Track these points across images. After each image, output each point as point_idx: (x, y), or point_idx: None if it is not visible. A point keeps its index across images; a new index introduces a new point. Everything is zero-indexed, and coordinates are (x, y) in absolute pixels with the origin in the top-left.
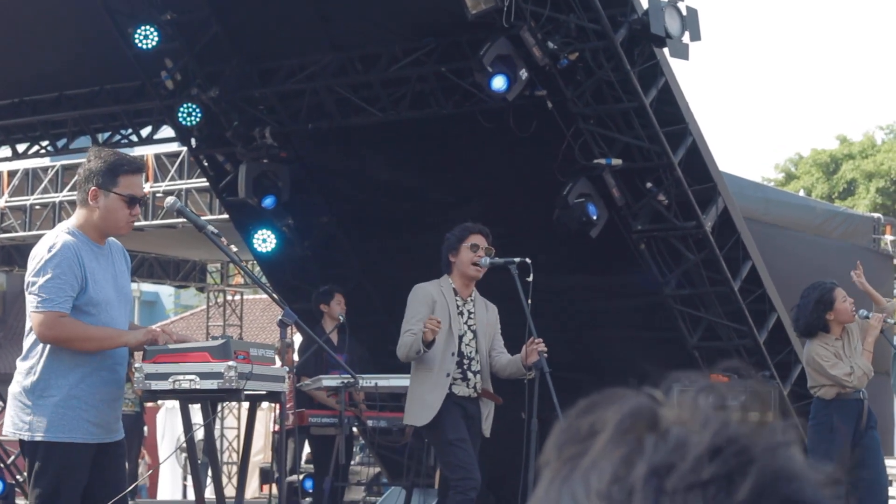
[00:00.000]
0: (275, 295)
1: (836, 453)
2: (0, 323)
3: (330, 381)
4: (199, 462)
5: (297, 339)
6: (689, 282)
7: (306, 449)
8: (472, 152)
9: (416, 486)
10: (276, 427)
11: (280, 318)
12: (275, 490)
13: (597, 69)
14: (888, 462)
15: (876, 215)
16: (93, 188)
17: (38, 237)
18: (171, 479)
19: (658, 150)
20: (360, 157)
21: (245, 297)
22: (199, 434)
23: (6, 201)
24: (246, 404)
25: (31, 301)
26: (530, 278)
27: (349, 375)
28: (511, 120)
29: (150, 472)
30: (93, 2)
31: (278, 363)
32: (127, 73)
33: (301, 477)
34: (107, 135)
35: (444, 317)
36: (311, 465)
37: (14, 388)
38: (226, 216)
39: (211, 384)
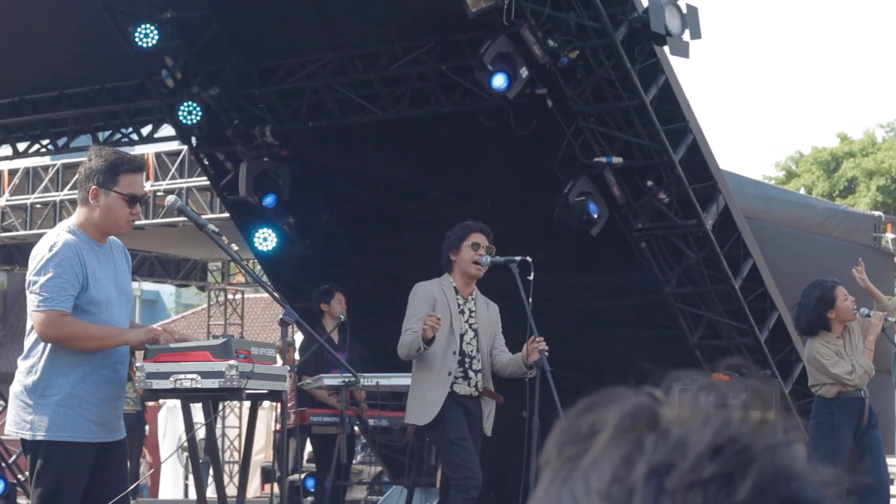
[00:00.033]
0: (276, 294)
1: (838, 452)
2: (1, 322)
3: (331, 379)
4: (201, 461)
5: (299, 337)
6: (689, 280)
7: (308, 448)
8: (473, 151)
9: (418, 485)
10: (278, 426)
11: (281, 316)
12: (276, 489)
13: (597, 67)
14: (889, 460)
15: (877, 213)
16: (93, 187)
17: (39, 236)
18: (172, 478)
19: (658, 149)
20: (361, 155)
21: (246, 295)
22: (201, 433)
23: (7, 200)
24: (247, 403)
25: (32, 300)
26: (531, 277)
27: (350, 374)
28: (511, 118)
29: (152, 471)
30: (93, 1)
31: (279, 362)
32: (127, 71)
33: (302, 476)
34: (107, 133)
35: (445, 315)
36: (314, 464)
37: (15, 388)
38: (226, 215)
39: (212, 383)
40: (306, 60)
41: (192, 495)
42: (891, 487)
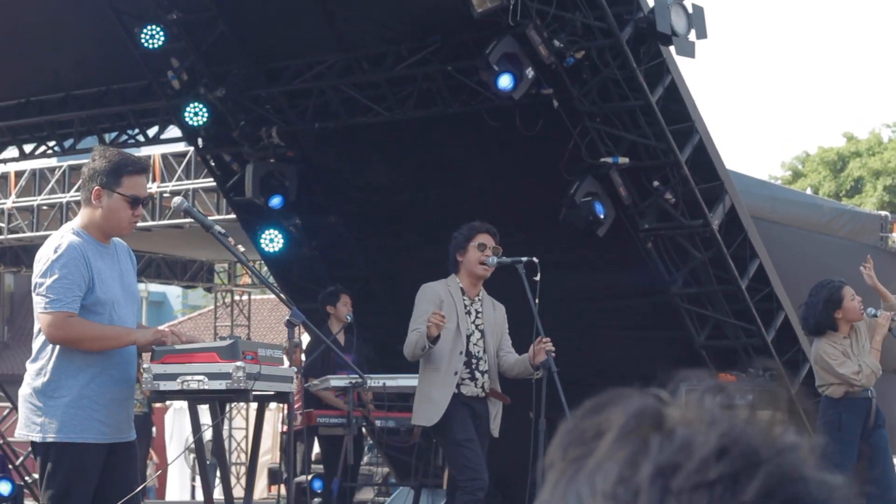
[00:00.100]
0: (282, 295)
1: (845, 452)
2: (8, 324)
3: (338, 381)
4: (208, 463)
5: (305, 339)
6: (696, 280)
7: (316, 449)
8: (479, 151)
9: (425, 487)
10: (285, 427)
11: (288, 318)
12: (283, 491)
13: (603, 67)
14: None
15: (883, 213)
16: (96, 187)
17: (46, 238)
18: (179, 479)
19: (665, 149)
20: (367, 156)
21: (253, 297)
22: (208, 435)
23: (13, 202)
24: (254, 405)
25: (38, 302)
26: (538, 277)
27: (357, 375)
28: (517, 119)
29: (159, 472)
30: (99, 2)
31: (286, 363)
32: (133, 72)
33: (309, 477)
34: (114, 135)
35: (451, 316)
36: (322, 466)
37: (24, 390)
38: (233, 216)
39: (219, 385)
40: (312, 61)
41: (199, 497)
42: None
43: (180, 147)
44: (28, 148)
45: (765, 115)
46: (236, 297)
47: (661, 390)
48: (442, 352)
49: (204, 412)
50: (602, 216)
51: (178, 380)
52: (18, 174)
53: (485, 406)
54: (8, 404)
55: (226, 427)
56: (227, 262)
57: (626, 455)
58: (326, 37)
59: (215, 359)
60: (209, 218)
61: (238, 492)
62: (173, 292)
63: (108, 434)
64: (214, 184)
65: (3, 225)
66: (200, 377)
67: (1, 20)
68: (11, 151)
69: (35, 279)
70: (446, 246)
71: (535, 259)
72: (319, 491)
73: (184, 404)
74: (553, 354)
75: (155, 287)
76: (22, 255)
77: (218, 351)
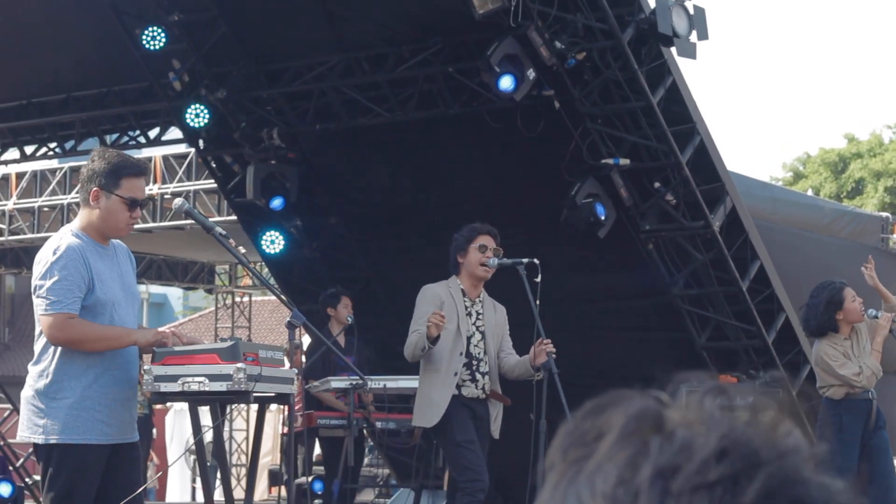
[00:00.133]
0: (283, 296)
1: (846, 454)
2: (9, 325)
3: (339, 382)
4: (209, 464)
5: (306, 340)
6: (697, 282)
7: (318, 450)
8: (480, 152)
9: (425, 488)
10: (285, 429)
11: (289, 319)
12: (283, 492)
13: (604, 69)
14: None
15: (884, 214)
16: (95, 189)
17: (47, 239)
18: (179, 481)
19: (666, 150)
20: (368, 157)
21: (253, 298)
22: (208, 436)
23: (14, 203)
24: (255, 406)
25: (39, 304)
26: (538, 279)
27: (358, 377)
28: (519, 120)
29: (160, 474)
30: (100, 3)
31: (287, 365)
32: (134, 74)
33: (310, 479)
34: (115, 136)
35: (452, 317)
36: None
37: (26, 393)
38: (234, 217)
39: (220, 386)
40: (313, 63)
41: (200, 498)
42: None
43: (181, 148)
44: (29, 149)
45: (766, 116)
46: (237, 299)
47: (661, 392)
48: (442, 353)
49: (204, 414)
50: (603, 217)
51: (179, 381)
52: (19, 176)
53: (485, 407)
54: (8, 406)
55: (226, 428)
56: (228, 264)
57: (626, 457)
58: (327, 38)
59: (216, 360)
60: (210, 219)
61: (239, 493)
62: (174, 294)
63: (110, 435)
64: (215, 185)
65: (4, 226)
66: (201, 379)
67: (2, 21)
68: (12, 153)
69: (35, 282)
70: (447, 247)
71: (535, 260)
72: (320, 492)
73: (184, 406)
74: (554, 356)
75: (156, 288)
76: (23, 257)
77: (219, 352)
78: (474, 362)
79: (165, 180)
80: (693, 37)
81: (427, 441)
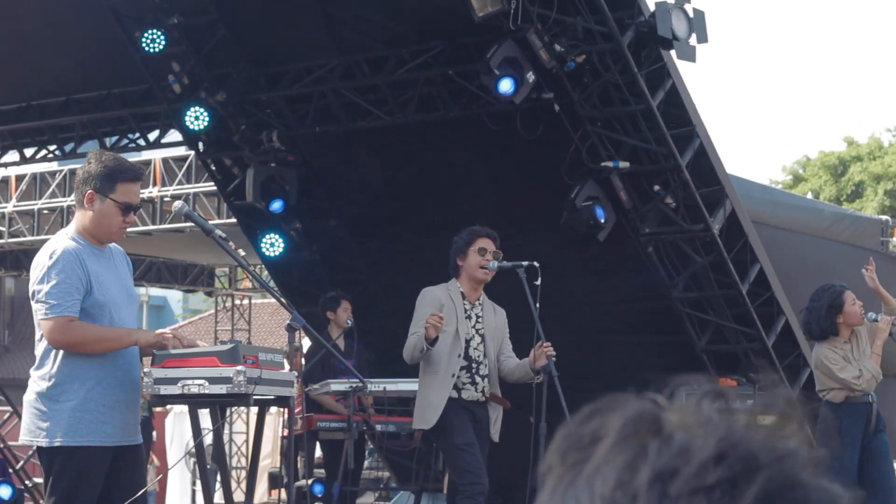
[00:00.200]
0: (283, 299)
1: (846, 457)
2: (8, 328)
3: (338, 385)
4: (209, 467)
5: (306, 343)
6: (696, 285)
7: (318, 453)
8: (480, 155)
9: (425, 491)
10: (286, 432)
11: (288, 322)
12: (283, 495)
13: (604, 71)
14: None
15: (884, 217)
16: (89, 191)
17: (47, 241)
18: (179, 484)
19: (665, 153)
20: (368, 160)
21: (253, 301)
22: (208, 439)
23: (14, 206)
24: (255, 409)
25: (38, 309)
26: (538, 282)
27: (357, 380)
28: (518, 123)
29: (160, 477)
30: (100, 6)
31: (287, 368)
32: (134, 76)
33: (310, 482)
34: (114, 139)
35: (451, 320)
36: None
37: (29, 396)
38: (233, 220)
39: (220, 389)
40: (313, 65)
41: (200, 501)
42: None
43: (181, 151)
44: (29, 152)
45: (765, 119)
46: (237, 302)
47: (658, 395)
48: (440, 354)
49: (204, 416)
50: (603, 220)
51: (179, 384)
52: (19, 178)
53: (485, 410)
54: (8, 408)
55: (226, 431)
56: (228, 267)
57: (624, 460)
58: (327, 41)
59: (216, 363)
60: (210, 222)
61: (239, 496)
62: (174, 296)
63: (114, 437)
64: (215, 188)
65: (3, 229)
66: (201, 381)
67: (2, 24)
68: (12, 155)
69: (32, 286)
70: (447, 250)
71: (535, 263)
72: (320, 495)
73: (184, 408)
74: (554, 359)
75: (155, 291)
76: (23, 259)
77: (218, 355)
78: (474, 365)
79: (165, 183)
80: (693, 40)
81: (427, 444)
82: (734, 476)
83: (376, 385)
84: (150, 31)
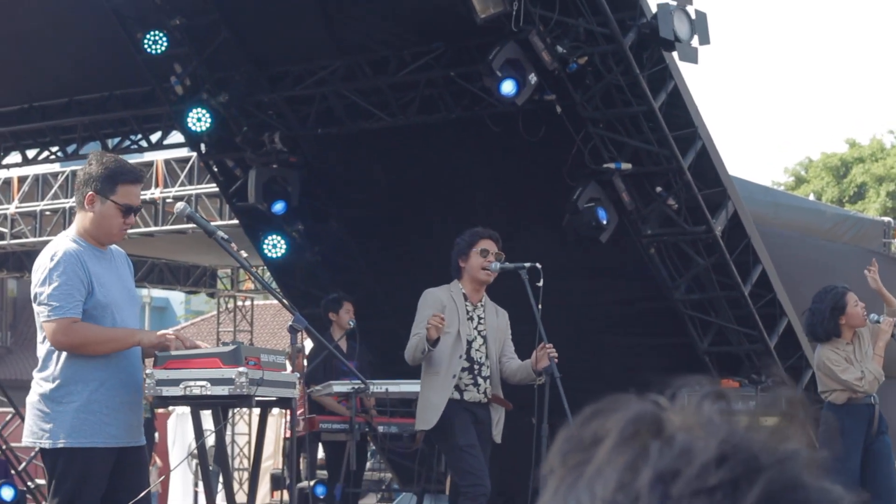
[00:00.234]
0: (285, 300)
1: (847, 459)
2: (11, 329)
3: (341, 386)
4: (211, 469)
5: (308, 344)
6: (699, 286)
7: (320, 454)
8: (482, 157)
9: (427, 492)
10: (288, 433)
11: (290, 323)
12: (286, 496)
13: (606, 73)
14: None
15: (886, 219)
16: (90, 193)
17: (48, 243)
18: (182, 485)
19: (668, 155)
20: (370, 161)
21: (255, 302)
22: (210, 440)
23: (16, 207)
24: (257, 410)
25: (41, 311)
26: (540, 283)
27: (360, 381)
28: (520, 124)
29: (162, 478)
30: (102, 7)
31: (289, 369)
32: (136, 78)
33: (312, 483)
34: (117, 140)
35: (453, 321)
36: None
37: (32, 398)
38: (236, 221)
39: (222, 390)
40: (315, 67)
41: (202, 503)
42: None
43: (183, 152)
44: (31, 153)
45: (767, 120)
46: (239, 303)
47: (660, 396)
48: (441, 356)
49: (207, 418)
50: (605, 222)
51: (181, 385)
52: (21, 179)
53: (487, 412)
54: (10, 409)
55: (228, 433)
56: (230, 268)
57: (625, 461)
58: (329, 42)
59: (218, 364)
60: (212, 223)
61: (241, 497)
62: (176, 298)
63: (117, 438)
64: (217, 189)
65: (6, 230)
66: (203, 383)
67: (3, 25)
68: (14, 156)
69: (34, 289)
70: (449, 251)
71: (537, 265)
72: (322, 496)
73: (186, 410)
74: (556, 360)
75: (158, 292)
76: (25, 261)
77: (221, 356)
78: (476, 366)
79: (167, 184)
80: (695, 41)
81: (429, 445)
82: (736, 477)
83: (378, 386)
84: (152, 33)
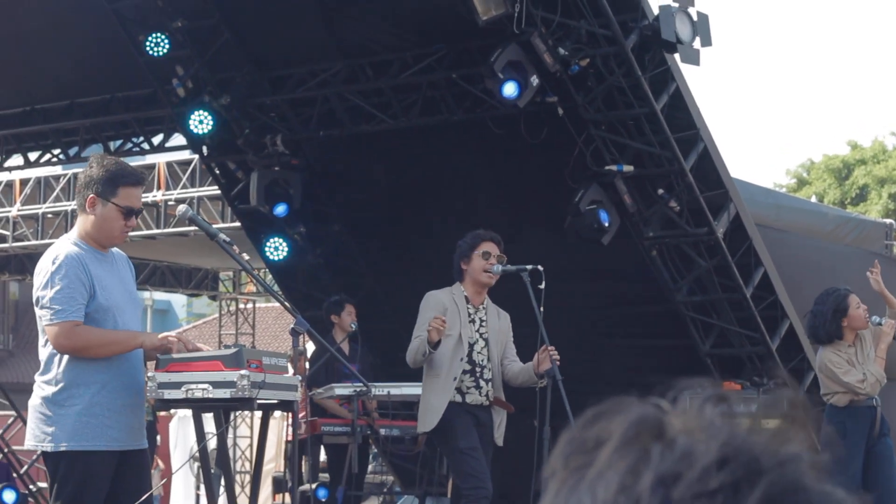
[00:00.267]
0: (287, 303)
1: (849, 461)
2: (12, 332)
3: (342, 389)
4: (212, 472)
5: (310, 347)
6: (700, 288)
7: (322, 457)
8: (483, 159)
9: (429, 495)
10: (289, 436)
11: (292, 326)
12: (287, 499)
13: (608, 75)
14: None
15: (888, 221)
16: (91, 195)
17: (50, 246)
18: (183, 488)
19: (669, 157)
20: (371, 164)
21: (257, 305)
22: (212, 443)
23: (18, 210)
24: (259, 413)
25: (43, 315)
26: (542, 286)
27: (361, 384)
28: (522, 126)
29: (164, 481)
30: (104, 9)
31: (291, 372)
32: (138, 80)
33: (314, 486)
34: (118, 143)
35: (454, 324)
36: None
37: (34, 401)
38: (237, 224)
39: (224, 393)
40: (317, 69)
41: None
42: None
43: (185, 155)
44: (33, 156)
45: (769, 122)
46: (241, 306)
47: (661, 399)
48: (442, 358)
49: (208, 421)
50: (607, 224)
51: (183, 388)
52: (23, 182)
53: (489, 414)
54: (12, 412)
55: (230, 435)
56: (232, 271)
57: (627, 464)
58: (331, 44)
59: (220, 367)
60: (214, 226)
61: (243, 500)
62: (178, 300)
63: (119, 441)
64: (219, 192)
65: (7, 233)
66: (205, 386)
67: (5, 27)
68: (16, 159)
69: (36, 293)
70: (451, 254)
71: (539, 267)
72: (324, 499)
73: (188, 413)
74: (558, 363)
75: (160, 295)
76: (27, 263)
77: (222, 359)
78: (478, 369)
79: (169, 187)
80: (696, 43)
81: (431, 448)
82: (737, 480)
83: (380, 389)
84: (153, 35)
